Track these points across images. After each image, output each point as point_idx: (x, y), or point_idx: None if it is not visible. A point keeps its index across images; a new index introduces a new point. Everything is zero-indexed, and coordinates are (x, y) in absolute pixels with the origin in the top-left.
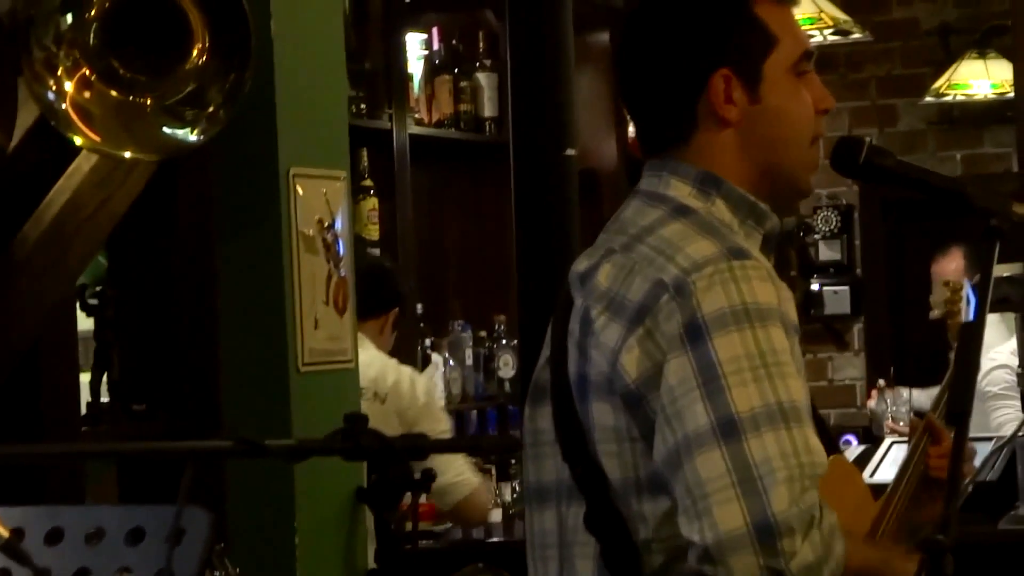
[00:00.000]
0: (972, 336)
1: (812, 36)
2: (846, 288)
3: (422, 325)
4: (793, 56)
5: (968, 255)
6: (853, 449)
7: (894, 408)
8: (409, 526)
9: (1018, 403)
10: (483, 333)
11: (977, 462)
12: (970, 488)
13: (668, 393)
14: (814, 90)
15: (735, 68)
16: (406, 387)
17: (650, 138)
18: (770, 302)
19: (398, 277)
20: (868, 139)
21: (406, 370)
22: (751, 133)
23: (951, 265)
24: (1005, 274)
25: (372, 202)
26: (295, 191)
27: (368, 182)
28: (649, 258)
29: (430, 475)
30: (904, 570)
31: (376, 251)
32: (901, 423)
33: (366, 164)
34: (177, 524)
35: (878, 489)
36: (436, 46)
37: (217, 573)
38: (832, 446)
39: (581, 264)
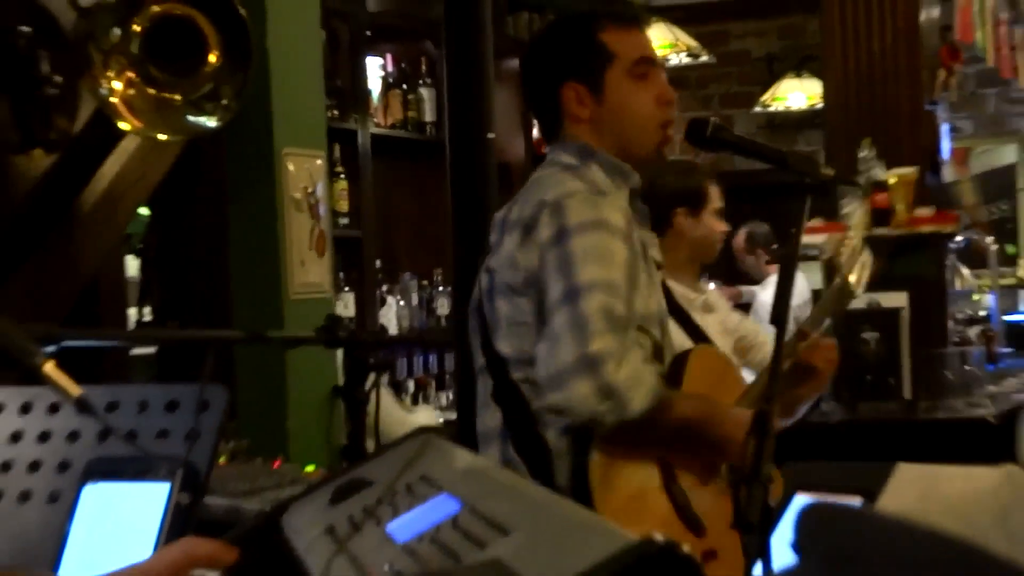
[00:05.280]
0: (788, 264)
1: (669, 60)
2: None
3: (380, 276)
4: (628, 64)
5: (751, 232)
6: None
7: None
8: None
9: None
10: (425, 282)
11: None
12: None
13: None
14: (656, 86)
15: (581, 80)
16: None
17: (544, 131)
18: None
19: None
20: (713, 119)
21: None
22: (603, 125)
23: (738, 239)
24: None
25: (343, 184)
26: (287, 166)
27: (340, 169)
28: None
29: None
30: (733, 422)
31: (346, 221)
32: None
33: (338, 156)
34: (202, 397)
35: None
36: (390, 68)
37: (231, 443)
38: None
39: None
